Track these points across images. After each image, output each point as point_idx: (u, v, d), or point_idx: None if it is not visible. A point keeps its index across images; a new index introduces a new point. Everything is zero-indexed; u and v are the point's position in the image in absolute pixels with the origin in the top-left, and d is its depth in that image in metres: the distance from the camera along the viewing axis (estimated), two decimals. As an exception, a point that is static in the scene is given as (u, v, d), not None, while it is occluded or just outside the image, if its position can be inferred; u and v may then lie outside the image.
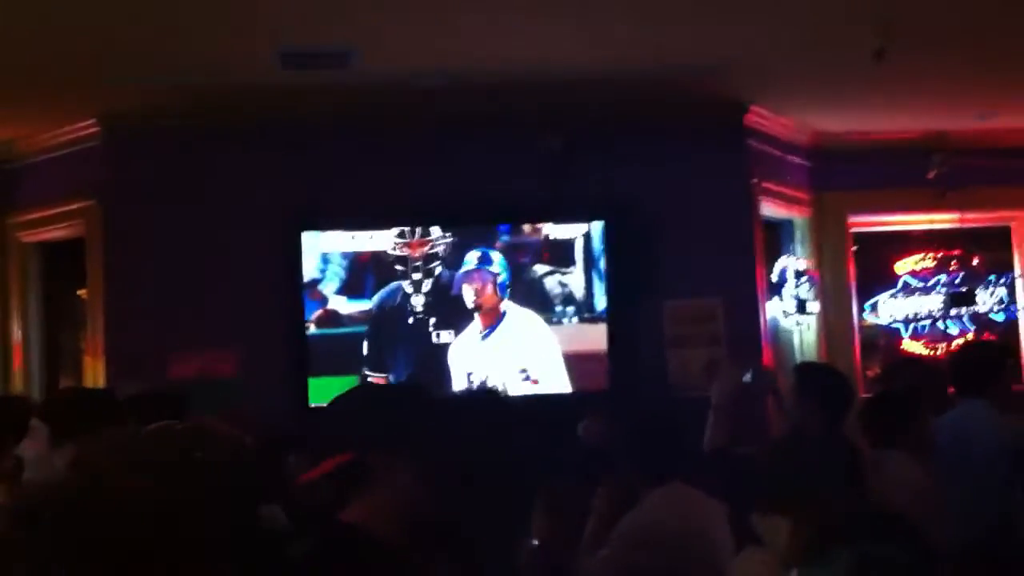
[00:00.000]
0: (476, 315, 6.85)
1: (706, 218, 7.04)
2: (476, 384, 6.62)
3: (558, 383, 6.79)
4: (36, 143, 7.12)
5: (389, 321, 6.79)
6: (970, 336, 8.10)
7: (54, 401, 3.62)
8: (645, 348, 6.93)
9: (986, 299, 8.24)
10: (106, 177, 6.83)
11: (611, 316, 6.89)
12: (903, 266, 8.45)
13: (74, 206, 7.04)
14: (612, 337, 6.87)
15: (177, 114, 6.51)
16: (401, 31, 5.48)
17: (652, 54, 6.00)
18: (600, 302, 6.91)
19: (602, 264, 6.91)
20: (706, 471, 4.28)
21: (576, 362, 6.84)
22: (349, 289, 6.80)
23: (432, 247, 6.83)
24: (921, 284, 8.37)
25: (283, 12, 5.11)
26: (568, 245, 6.94)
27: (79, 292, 7.42)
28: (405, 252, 6.81)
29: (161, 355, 6.54)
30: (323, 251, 6.77)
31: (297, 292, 6.69)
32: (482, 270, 6.86)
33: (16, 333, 7.48)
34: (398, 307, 6.79)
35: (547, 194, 6.87)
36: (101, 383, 6.56)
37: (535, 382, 6.78)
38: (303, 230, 6.74)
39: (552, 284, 6.94)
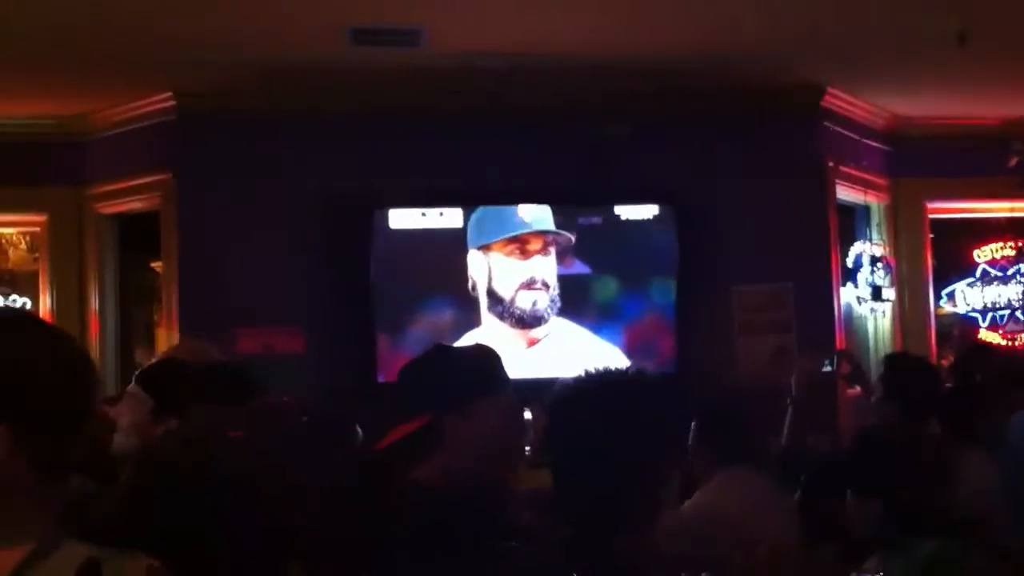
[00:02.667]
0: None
1: (780, 201, 6.96)
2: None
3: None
4: (113, 116, 7.20)
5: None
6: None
7: (160, 372, 3.59)
8: (714, 334, 6.87)
9: (1067, 289, 8.07)
10: (181, 151, 6.90)
11: (679, 302, 6.88)
12: (982, 254, 8.28)
13: (149, 179, 7.12)
14: (680, 323, 6.86)
15: (250, 89, 6.56)
16: (470, 11, 5.46)
17: (728, 37, 5.93)
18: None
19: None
20: (783, 465, 4.22)
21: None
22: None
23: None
24: (1000, 273, 8.20)
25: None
26: (640, 227, 6.96)
27: (153, 265, 7.52)
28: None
29: (231, 329, 6.60)
30: (392, 228, 6.83)
31: (364, 271, 6.72)
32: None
33: (93, 303, 7.60)
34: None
35: (613, 178, 6.86)
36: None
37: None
38: (373, 208, 6.76)
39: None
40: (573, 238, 7.01)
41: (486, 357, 2.59)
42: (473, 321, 6.94)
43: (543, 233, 7.00)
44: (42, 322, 1.74)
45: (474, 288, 7.00)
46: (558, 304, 7.02)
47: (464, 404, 2.46)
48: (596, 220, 7.04)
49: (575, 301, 7.02)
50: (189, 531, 1.72)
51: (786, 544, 3.53)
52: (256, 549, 1.76)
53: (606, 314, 7.04)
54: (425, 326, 6.83)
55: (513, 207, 6.99)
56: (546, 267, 7.03)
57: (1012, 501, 3.84)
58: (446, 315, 6.94)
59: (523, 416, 2.34)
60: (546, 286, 7.03)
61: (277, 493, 1.83)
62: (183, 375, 3.50)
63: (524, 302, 7.01)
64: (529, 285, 7.03)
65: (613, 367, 2.13)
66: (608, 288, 7.06)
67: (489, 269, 7.03)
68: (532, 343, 6.97)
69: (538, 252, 7.02)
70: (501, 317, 6.97)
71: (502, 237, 7.02)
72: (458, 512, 2.23)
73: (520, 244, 7.05)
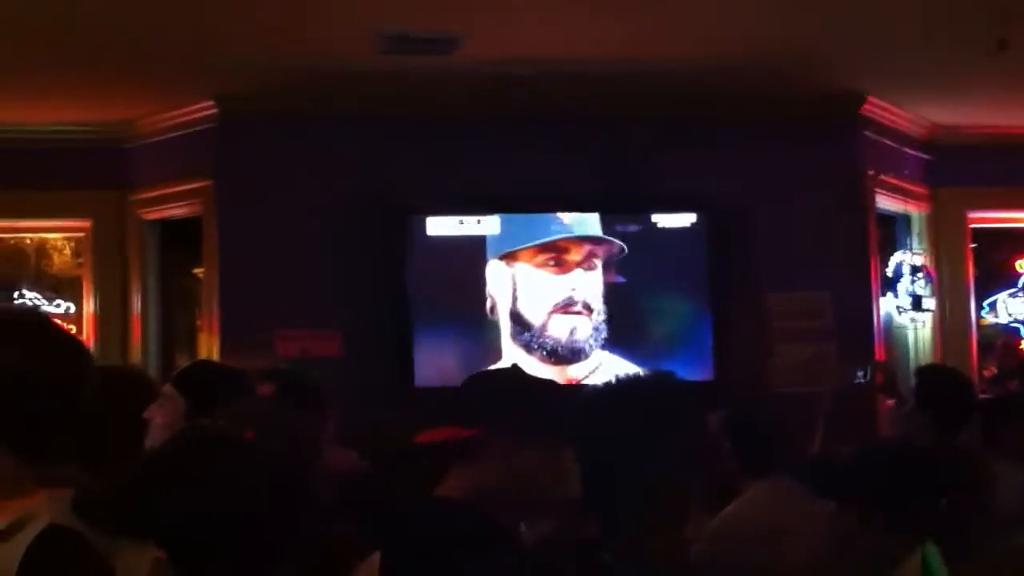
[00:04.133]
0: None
1: (819, 210, 6.92)
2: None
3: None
4: (155, 123, 7.28)
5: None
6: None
7: (195, 374, 3.67)
8: (750, 343, 6.82)
9: (1108, 300, 7.97)
10: (221, 157, 6.97)
11: (715, 309, 6.74)
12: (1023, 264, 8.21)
13: (191, 185, 7.19)
14: (716, 331, 6.72)
15: (290, 96, 6.61)
16: (505, 19, 5.48)
17: (767, 44, 5.92)
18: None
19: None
20: (814, 475, 4.19)
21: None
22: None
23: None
24: (1043, 284, 8.12)
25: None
26: (677, 236, 6.73)
27: (195, 271, 7.59)
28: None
29: (270, 332, 6.65)
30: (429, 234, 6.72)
31: (402, 276, 6.73)
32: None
33: (135, 307, 7.68)
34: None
35: (651, 186, 6.79)
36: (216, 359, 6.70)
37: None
38: (409, 215, 6.75)
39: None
40: (625, 247, 6.07)
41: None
42: (492, 352, 6.01)
43: (587, 240, 6.05)
44: (41, 323, 1.90)
45: (493, 310, 6.00)
46: (604, 333, 5.98)
47: (518, 433, 2.43)
48: (633, 228, 6.62)
49: (623, 325, 6.04)
50: (189, 527, 1.76)
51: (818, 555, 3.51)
52: (253, 550, 1.79)
53: (657, 344, 6.25)
54: (448, 346, 6.21)
55: (550, 214, 6.20)
56: (589, 285, 6.00)
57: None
58: (462, 342, 6.15)
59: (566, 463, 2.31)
60: (588, 309, 6.03)
61: (282, 496, 1.86)
62: (218, 377, 3.56)
63: (559, 329, 5.90)
64: (566, 307, 5.99)
65: (642, 371, 2.16)
66: (654, 306, 6.35)
67: (514, 285, 5.99)
68: (569, 384, 5.65)
69: (579, 265, 6.03)
70: (528, 348, 5.94)
71: (533, 244, 6.01)
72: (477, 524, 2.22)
73: (556, 254, 6.03)
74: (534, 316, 5.93)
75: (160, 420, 3.22)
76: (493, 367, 2.66)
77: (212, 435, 1.97)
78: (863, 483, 3.11)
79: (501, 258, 6.04)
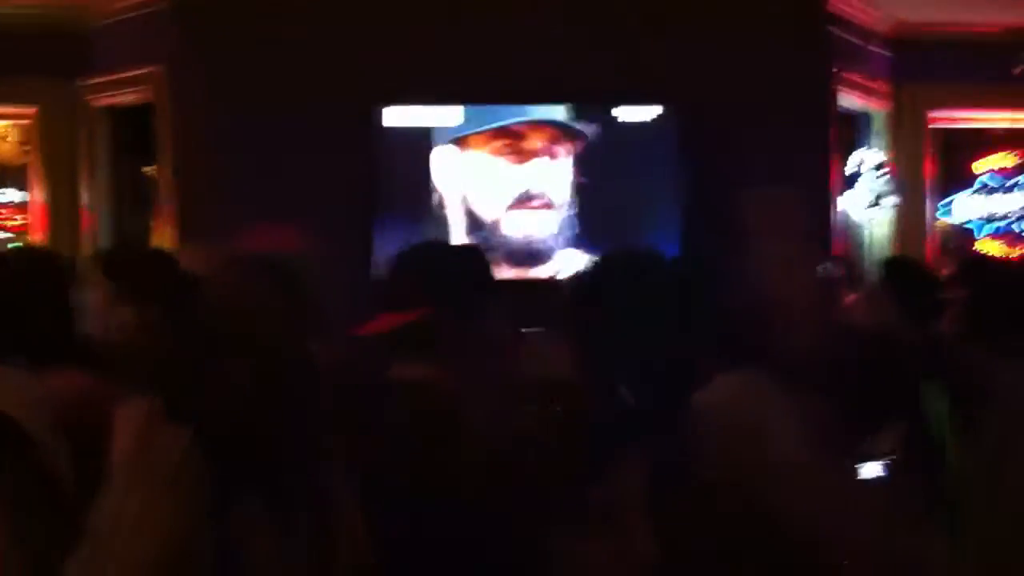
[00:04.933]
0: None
1: (781, 106, 6.87)
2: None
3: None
4: (107, 5, 7.06)
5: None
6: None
7: (116, 258, 3.57)
8: (719, 240, 6.78)
9: (1068, 200, 8.05)
10: (176, 43, 6.77)
11: (684, 208, 6.67)
12: (983, 165, 8.24)
13: (143, 70, 7.00)
14: (684, 227, 6.66)
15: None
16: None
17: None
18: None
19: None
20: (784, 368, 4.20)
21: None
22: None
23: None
24: (1001, 184, 8.16)
25: None
26: (640, 131, 6.60)
27: (145, 169, 7.41)
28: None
29: (229, 227, 6.52)
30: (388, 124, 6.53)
31: (364, 168, 6.62)
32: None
33: (84, 197, 7.53)
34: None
35: (613, 78, 6.65)
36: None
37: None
38: (377, 104, 6.60)
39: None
40: (588, 133, 5.61)
41: (484, 256, 2.56)
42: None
43: (548, 125, 5.60)
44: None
45: (442, 204, 5.59)
46: (572, 229, 5.59)
47: (466, 300, 2.41)
48: (600, 121, 6.39)
49: (589, 222, 5.65)
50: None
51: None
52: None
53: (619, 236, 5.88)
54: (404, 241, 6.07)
55: (515, 105, 5.73)
56: (552, 176, 5.57)
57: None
58: (418, 238, 5.71)
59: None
60: (550, 205, 5.67)
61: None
62: (139, 261, 3.49)
63: (517, 227, 5.47)
64: (524, 201, 5.60)
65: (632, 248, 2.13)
66: (621, 202, 6.00)
67: (465, 176, 5.58)
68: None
69: (540, 153, 5.62)
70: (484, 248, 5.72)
71: (487, 128, 5.51)
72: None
73: (513, 140, 5.58)
74: (488, 211, 5.52)
75: (91, 306, 3.16)
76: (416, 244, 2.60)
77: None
78: (836, 370, 3.12)
79: (452, 143, 5.55)
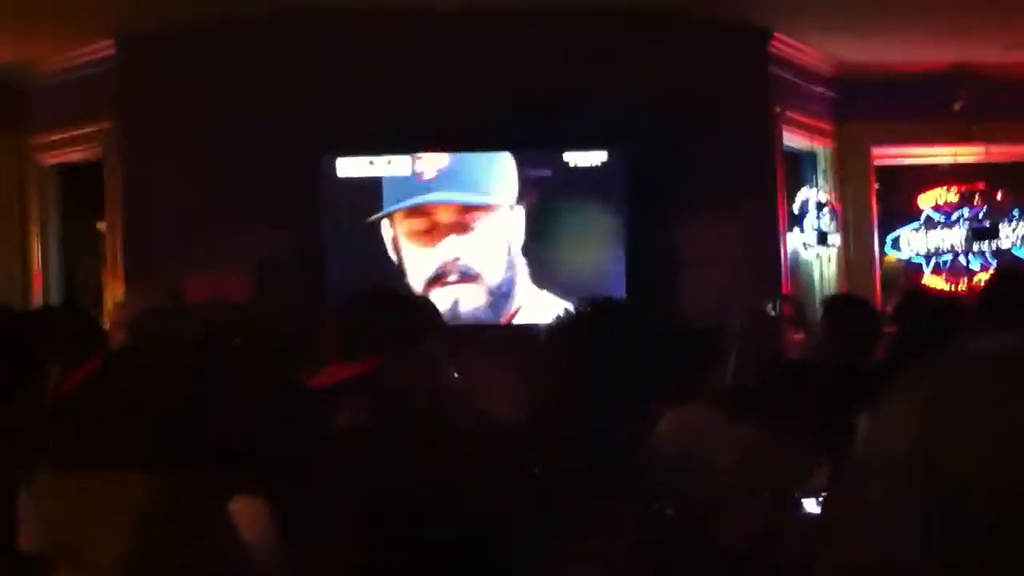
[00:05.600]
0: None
1: (726, 146, 6.95)
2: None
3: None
4: (53, 64, 7.07)
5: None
6: (992, 271, 8.03)
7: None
8: (661, 275, 6.85)
9: (1009, 234, 8.17)
10: (122, 98, 6.78)
11: (629, 242, 6.71)
12: (926, 200, 8.37)
13: (91, 128, 7.01)
14: (630, 264, 6.69)
15: (194, 34, 6.45)
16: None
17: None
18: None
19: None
20: (726, 401, 4.25)
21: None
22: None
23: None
24: (944, 218, 8.29)
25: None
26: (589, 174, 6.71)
27: (97, 224, 7.39)
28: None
29: (179, 278, 6.51)
30: (341, 176, 6.62)
31: (313, 219, 6.63)
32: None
33: (36, 258, 7.49)
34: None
35: (561, 119, 6.72)
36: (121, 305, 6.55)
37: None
38: (322, 153, 6.63)
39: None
40: (495, 204, 5.78)
41: (428, 300, 2.62)
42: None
43: (456, 204, 5.67)
44: None
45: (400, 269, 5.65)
46: (508, 288, 5.65)
47: (411, 345, 2.43)
48: (546, 172, 6.60)
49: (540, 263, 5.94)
50: None
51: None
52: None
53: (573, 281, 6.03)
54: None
55: (417, 156, 5.84)
56: (470, 249, 5.66)
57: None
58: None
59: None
60: (469, 278, 5.74)
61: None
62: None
63: (441, 302, 5.26)
64: (440, 280, 5.68)
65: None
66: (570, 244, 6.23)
67: (399, 252, 5.71)
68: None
69: (454, 231, 5.70)
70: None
71: (401, 206, 5.68)
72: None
73: (424, 219, 5.69)
74: (417, 287, 5.71)
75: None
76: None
77: None
78: (773, 403, 3.16)
79: (385, 218, 5.83)
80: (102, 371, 2.69)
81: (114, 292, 6.91)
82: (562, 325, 2.17)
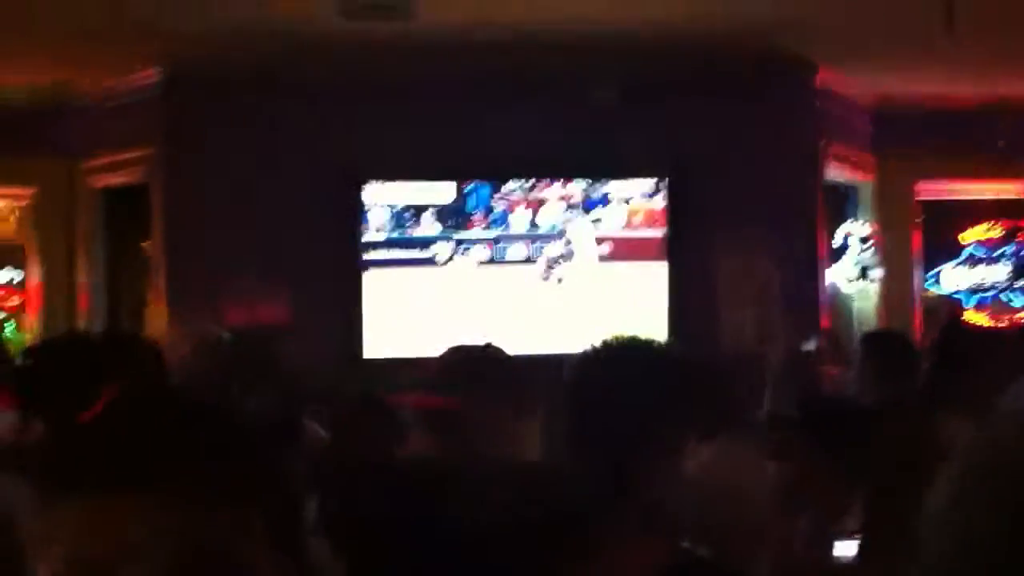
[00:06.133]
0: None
1: (770, 178, 6.95)
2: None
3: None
4: (103, 88, 7.17)
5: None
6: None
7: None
8: (701, 306, 6.86)
9: (1054, 271, 8.11)
10: (169, 125, 6.89)
11: (672, 272, 6.82)
12: (969, 235, 8.31)
13: (138, 153, 7.10)
14: (673, 293, 6.81)
15: (239, 64, 6.53)
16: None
17: (719, 9, 5.93)
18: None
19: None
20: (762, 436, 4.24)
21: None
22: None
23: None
24: (986, 254, 8.23)
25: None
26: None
27: (143, 244, 7.49)
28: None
29: (220, 302, 6.59)
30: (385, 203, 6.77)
31: (355, 244, 6.71)
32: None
33: (82, 277, 7.60)
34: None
35: (605, 150, 6.78)
36: (164, 329, 6.63)
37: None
38: (361, 182, 6.73)
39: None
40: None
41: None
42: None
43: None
44: None
45: None
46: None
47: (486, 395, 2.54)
48: (594, 195, 6.90)
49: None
50: None
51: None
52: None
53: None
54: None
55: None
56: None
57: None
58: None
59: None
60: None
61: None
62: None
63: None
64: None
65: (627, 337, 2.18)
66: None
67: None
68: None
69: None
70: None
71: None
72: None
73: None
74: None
75: None
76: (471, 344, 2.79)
77: None
78: (810, 439, 3.15)
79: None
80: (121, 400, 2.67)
81: (157, 311, 6.99)
82: (587, 360, 2.18)
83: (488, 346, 2.79)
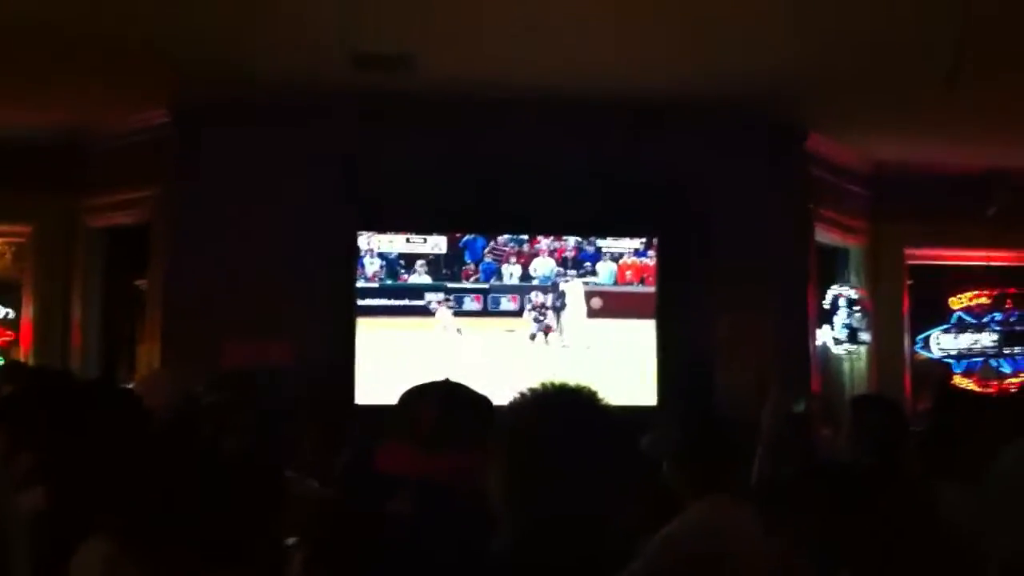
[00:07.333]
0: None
1: (760, 241, 7.00)
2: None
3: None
4: (107, 129, 7.22)
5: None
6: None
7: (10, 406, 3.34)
8: (694, 364, 6.87)
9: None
10: (173, 167, 6.93)
11: (661, 330, 6.87)
12: (958, 301, 8.38)
13: (141, 193, 7.14)
14: (662, 351, 6.85)
15: (245, 109, 6.59)
16: (461, 39, 5.57)
17: (712, 78, 6.02)
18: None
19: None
20: (752, 497, 4.25)
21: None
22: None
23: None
24: (975, 320, 8.30)
25: (352, 15, 5.18)
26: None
27: (137, 282, 7.51)
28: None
29: (216, 342, 6.59)
30: (381, 251, 6.84)
31: (351, 290, 6.75)
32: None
33: (76, 314, 7.61)
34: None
35: (601, 208, 6.83)
36: (157, 367, 6.63)
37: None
38: (361, 230, 6.79)
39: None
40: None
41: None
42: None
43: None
44: None
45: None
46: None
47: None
48: (586, 253, 6.95)
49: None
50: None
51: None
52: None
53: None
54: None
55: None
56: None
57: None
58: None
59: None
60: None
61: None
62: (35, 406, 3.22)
63: None
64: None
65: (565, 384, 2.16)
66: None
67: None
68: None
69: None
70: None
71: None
72: None
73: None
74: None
75: None
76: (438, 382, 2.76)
77: None
78: (798, 502, 3.18)
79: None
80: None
81: (149, 347, 6.99)
82: (516, 406, 2.19)
83: (447, 382, 2.78)
